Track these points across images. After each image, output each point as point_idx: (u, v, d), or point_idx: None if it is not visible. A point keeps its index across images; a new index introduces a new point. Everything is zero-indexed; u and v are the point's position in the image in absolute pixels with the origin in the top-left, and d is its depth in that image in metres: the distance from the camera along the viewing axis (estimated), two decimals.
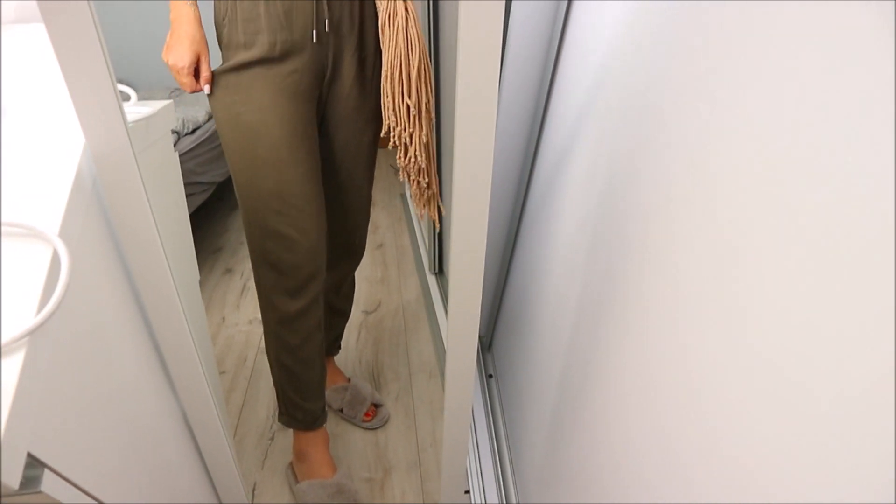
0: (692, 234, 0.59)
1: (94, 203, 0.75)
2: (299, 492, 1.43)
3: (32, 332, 0.48)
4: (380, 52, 1.02)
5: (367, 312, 2.12)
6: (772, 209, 0.47)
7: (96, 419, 0.65)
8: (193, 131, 2.39)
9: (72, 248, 0.58)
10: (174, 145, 1.46)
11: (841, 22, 0.39)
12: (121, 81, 0.69)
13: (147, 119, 0.92)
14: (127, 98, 0.95)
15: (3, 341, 0.46)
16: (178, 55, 1.02)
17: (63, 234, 0.59)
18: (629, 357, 0.74)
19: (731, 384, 0.52)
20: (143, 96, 2.77)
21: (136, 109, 0.94)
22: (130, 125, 0.71)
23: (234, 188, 1.16)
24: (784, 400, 0.45)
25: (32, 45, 1.13)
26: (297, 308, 1.26)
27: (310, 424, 1.45)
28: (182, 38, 1.02)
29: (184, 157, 2.26)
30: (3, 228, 0.58)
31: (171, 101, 1.06)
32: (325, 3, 1.03)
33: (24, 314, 0.50)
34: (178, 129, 2.28)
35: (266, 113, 1.07)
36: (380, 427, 1.65)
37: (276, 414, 1.60)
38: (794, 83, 0.44)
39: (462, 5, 0.63)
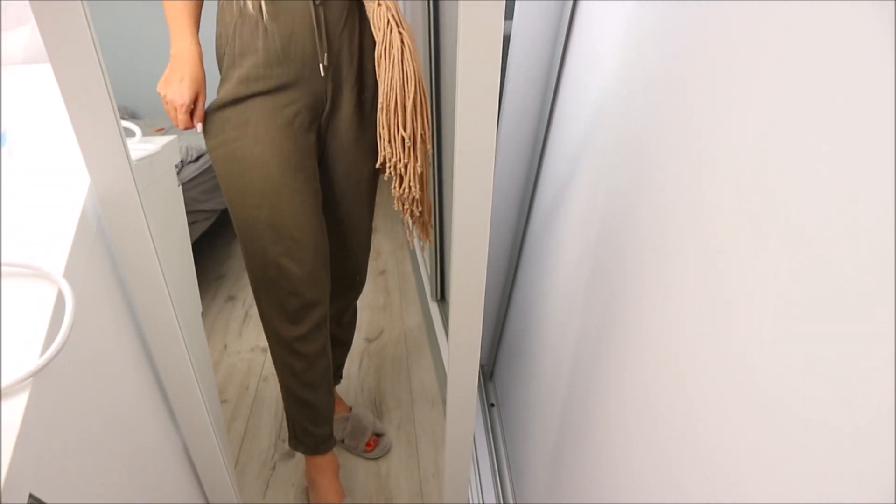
0: (690, 267, 0.60)
1: (99, 241, 0.76)
2: None
3: (36, 374, 0.49)
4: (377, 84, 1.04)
5: (369, 340, 2.12)
6: (771, 241, 0.47)
7: (98, 455, 0.65)
8: (197, 159, 2.40)
9: (76, 287, 0.59)
10: (178, 173, 1.48)
11: (841, 22, 0.39)
12: (123, 109, 0.70)
13: (151, 156, 0.94)
14: (132, 134, 0.96)
15: (7, 383, 0.47)
16: (178, 92, 1.03)
17: (68, 273, 0.59)
18: (630, 388, 0.74)
19: (734, 414, 0.52)
20: (148, 123, 2.80)
21: (140, 146, 0.95)
22: (135, 163, 0.72)
23: (231, 218, 1.17)
24: (788, 434, 0.45)
25: (39, 85, 1.15)
26: (297, 334, 1.26)
27: (314, 448, 1.44)
28: (184, 75, 1.03)
29: (187, 185, 2.28)
30: (8, 269, 0.59)
31: (174, 136, 1.07)
32: (324, 36, 1.05)
33: (28, 355, 0.50)
34: (182, 156, 2.30)
35: (261, 145, 1.08)
36: (382, 457, 1.64)
37: (282, 439, 1.60)
38: (792, 106, 0.45)
39: (461, 43, 0.65)
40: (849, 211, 0.39)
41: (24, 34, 1.21)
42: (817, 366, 0.41)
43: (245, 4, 1.00)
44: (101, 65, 0.65)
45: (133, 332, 0.86)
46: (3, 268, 0.59)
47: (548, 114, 1.18)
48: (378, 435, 1.67)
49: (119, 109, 0.68)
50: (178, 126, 1.06)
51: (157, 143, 0.99)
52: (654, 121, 0.70)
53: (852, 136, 0.38)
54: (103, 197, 0.71)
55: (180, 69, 1.04)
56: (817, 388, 0.41)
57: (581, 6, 1.01)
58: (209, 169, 2.43)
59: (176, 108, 1.04)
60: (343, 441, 1.65)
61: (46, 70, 1.18)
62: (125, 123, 0.75)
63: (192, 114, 1.07)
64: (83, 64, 0.65)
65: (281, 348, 1.29)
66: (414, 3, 1.85)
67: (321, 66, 1.06)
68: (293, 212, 1.14)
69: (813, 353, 0.42)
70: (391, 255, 2.71)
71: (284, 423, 1.73)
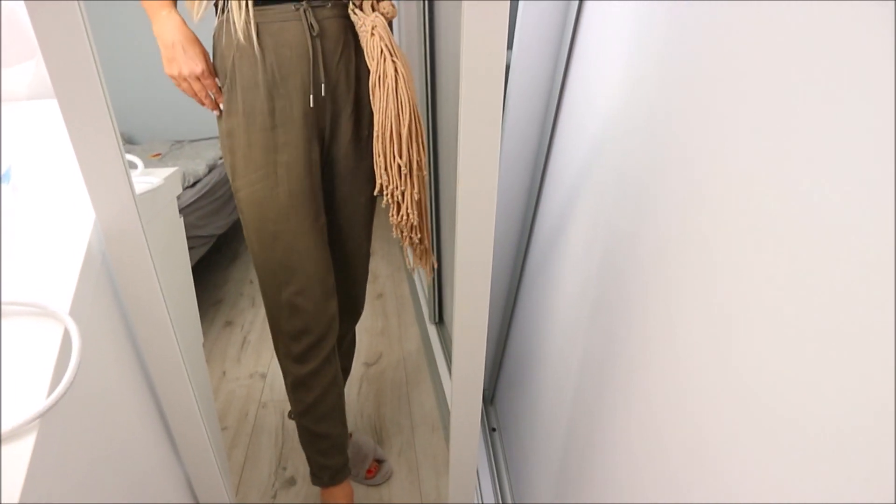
0: (691, 295, 0.60)
1: (104, 275, 0.76)
2: None
3: (43, 415, 0.49)
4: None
5: (368, 364, 2.11)
6: (774, 269, 0.48)
7: (102, 490, 0.65)
8: (194, 184, 2.41)
9: (82, 325, 0.59)
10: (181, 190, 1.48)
11: (841, 22, 0.39)
12: (122, 135, 0.70)
13: (154, 190, 0.94)
14: (133, 167, 0.96)
15: (15, 424, 0.47)
16: (188, 62, 1.00)
17: (74, 311, 0.60)
18: (635, 415, 0.74)
19: (735, 431, 0.52)
20: (145, 149, 2.79)
21: (143, 179, 0.95)
22: (138, 196, 0.72)
23: (253, 261, 1.21)
24: (788, 435, 0.45)
25: (44, 121, 1.15)
26: (307, 371, 1.29)
27: (330, 481, 1.47)
28: (182, 44, 1.00)
29: (184, 211, 2.28)
30: (14, 308, 0.59)
31: (177, 168, 1.08)
32: (320, 68, 1.06)
33: (34, 396, 0.50)
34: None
35: (277, 187, 1.10)
36: (383, 483, 1.63)
37: (282, 467, 1.64)
38: (792, 123, 0.46)
39: (464, 80, 0.66)
40: (850, 223, 0.39)
41: (29, 70, 1.21)
42: (818, 366, 0.42)
43: (241, 38, 1.00)
44: (107, 101, 0.66)
45: (136, 364, 0.85)
46: (8, 307, 0.59)
47: (548, 142, 1.19)
48: (379, 461, 1.66)
49: None
50: (201, 98, 1.03)
51: (160, 175, 0.99)
52: (654, 152, 0.71)
53: (852, 137, 0.39)
54: (108, 232, 0.72)
55: (173, 40, 1.00)
56: (817, 388, 0.42)
57: (580, 37, 1.02)
58: (206, 194, 2.44)
59: (197, 80, 1.01)
60: None
61: (51, 105, 1.19)
62: (127, 157, 0.75)
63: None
64: (89, 99, 0.65)
65: (292, 386, 1.33)
66: (409, 32, 1.87)
67: (320, 96, 1.07)
68: (306, 250, 1.17)
69: (813, 354, 0.42)
70: (389, 279, 2.72)
71: (284, 451, 1.73)
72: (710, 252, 0.57)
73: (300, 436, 1.43)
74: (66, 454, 0.56)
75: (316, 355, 1.28)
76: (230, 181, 1.11)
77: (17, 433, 0.47)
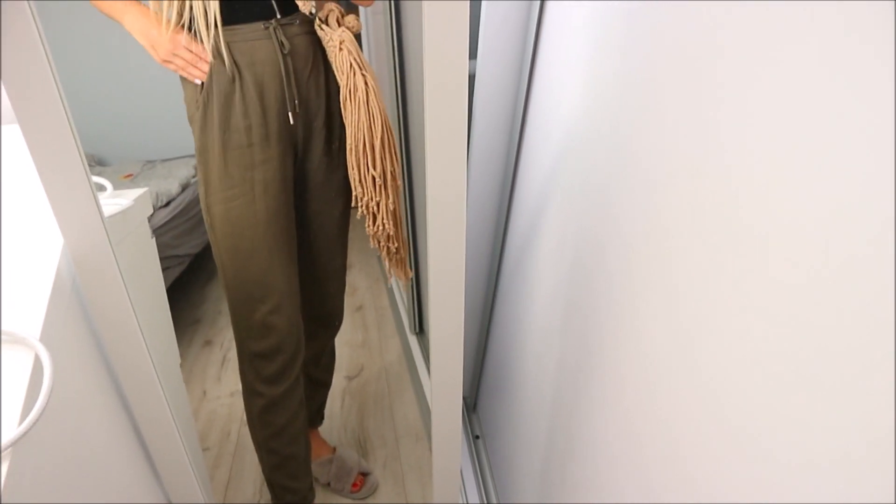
0: (658, 298, 0.61)
1: (74, 300, 0.75)
2: None
3: (15, 443, 0.48)
4: (344, 125, 1.05)
5: (349, 378, 2.11)
6: (739, 269, 0.49)
7: None
8: (167, 204, 2.39)
9: (53, 350, 0.58)
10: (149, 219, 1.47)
11: (841, 22, 0.39)
12: (90, 156, 0.69)
13: (124, 211, 0.93)
14: (102, 189, 0.96)
15: None
16: (171, 38, 0.97)
17: (44, 337, 0.59)
18: (611, 417, 0.75)
19: (713, 432, 0.53)
20: (116, 169, 2.76)
21: (112, 201, 0.95)
22: (108, 219, 0.72)
23: (222, 281, 1.19)
24: (788, 435, 0.46)
25: (11, 146, 1.14)
26: (280, 391, 1.27)
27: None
28: (157, 25, 0.98)
29: (159, 231, 2.26)
30: None
31: (146, 189, 1.06)
32: (293, 85, 1.06)
33: (5, 424, 0.50)
34: (153, 202, 2.29)
35: (254, 204, 1.10)
36: (369, 496, 1.62)
37: (262, 489, 1.58)
38: (787, 126, 0.47)
39: (427, 88, 0.66)
40: (822, 223, 0.40)
41: None
42: (817, 367, 0.42)
43: (211, 56, 1.00)
44: (70, 125, 0.65)
45: (111, 388, 0.85)
46: None
47: (516, 149, 1.20)
48: (364, 474, 1.65)
49: (85, 157, 0.67)
50: (191, 71, 1.00)
51: (129, 196, 0.98)
52: (616, 156, 0.72)
53: (851, 139, 0.38)
54: (77, 256, 0.71)
55: (146, 26, 0.99)
56: (817, 389, 0.42)
57: (543, 42, 1.03)
58: (180, 213, 2.42)
59: (186, 50, 0.99)
60: (329, 484, 1.63)
61: (18, 130, 1.18)
62: (95, 179, 0.74)
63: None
64: (52, 124, 0.65)
65: (262, 411, 1.30)
66: (378, 45, 1.88)
67: (292, 113, 1.08)
68: (281, 266, 1.17)
69: (785, 354, 0.43)
70: (368, 291, 2.71)
71: None
72: (673, 253, 0.58)
73: (266, 463, 1.39)
74: (40, 483, 0.56)
75: (289, 375, 1.27)
76: (201, 197, 1.10)
77: None
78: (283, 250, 1.16)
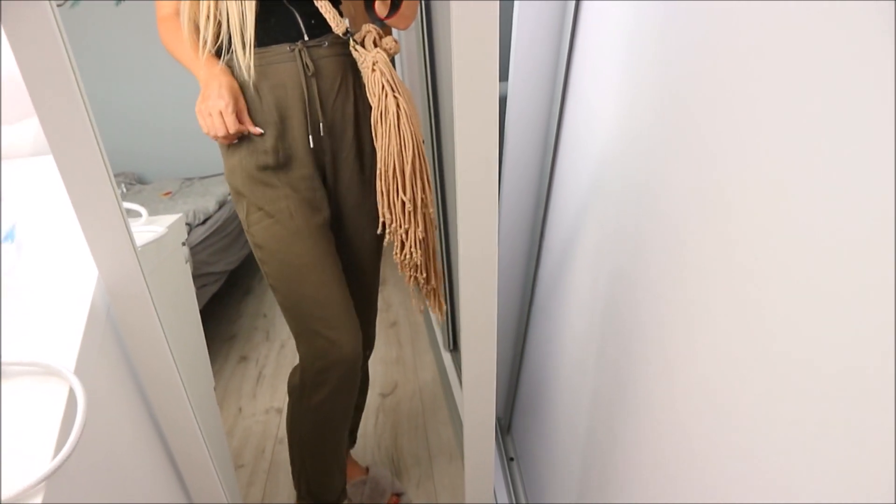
0: (705, 299, 0.59)
1: (109, 331, 0.76)
2: None
3: (49, 477, 0.48)
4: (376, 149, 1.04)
5: (383, 395, 2.10)
6: (788, 282, 0.47)
7: None
8: (204, 221, 2.43)
9: (87, 383, 0.59)
10: (186, 236, 1.49)
11: (841, 22, 0.39)
12: (130, 174, 0.70)
13: (159, 239, 0.94)
14: (137, 216, 0.97)
15: (20, 488, 0.46)
16: (218, 99, 1.00)
17: (79, 369, 0.60)
18: (647, 447, 0.73)
19: (748, 453, 0.51)
20: (155, 187, 2.83)
21: (147, 229, 0.96)
22: (142, 248, 0.73)
23: (278, 301, 1.18)
24: (788, 434, 0.44)
25: (47, 177, 1.16)
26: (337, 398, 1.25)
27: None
28: (220, 82, 1.01)
29: (196, 249, 2.29)
30: (18, 368, 0.59)
31: (181, 215, 1.08)
32: (317, 107, 1.06)
33: (39, 457, 0.50)
34: (190, 220, 2.33)
35: (294, 223, 1.10)
36: None
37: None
38: (796, 131, 0.45)
39: (457, 107, 0.66)
40: (854, 223, 0.39)
41: (32, 126, 1.23)
42: (817, 368, 0.41)
43: (245, 76, 1.01)
44: (103, 157, 0.66)
45: (145, 418, 0.85)
46: (10, 367, 0.59)
47: (550, 165, 1.18)
48: (397, 495, 1.64)
49: (125, 175, 0.69)
50: (220, 138, 1.03)
51: (164, 223, 1.00)
52: (654, 187, 0.70)
53: (852, 140, 0.38)
54: (111, 287, 0.72)
55: (212, 83, 1.01)
56: (817, 389, 0.41)
57: (577, 52, 1.01)
58: (217, 230, 2.46)
59: (220, 113, 1.00)
60: None
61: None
62: (130, 205, 0.75)
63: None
64: (85, 156, 0.66)
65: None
66: (412, 68, 1.88)
67: (318, 135, 1.08)
68: (332, 282, 1.16)
69: (814, 355, 0.42)
70: (402, 306, 2.71)
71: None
72: (720, 253, 0.56)
73: (301, 453, 1.34)
74: None
75: (352, 384, 1.24)
76: (241, 218, 1.11)
77: (22, 497, 0.46)
78: (329, 268, 1.16)
